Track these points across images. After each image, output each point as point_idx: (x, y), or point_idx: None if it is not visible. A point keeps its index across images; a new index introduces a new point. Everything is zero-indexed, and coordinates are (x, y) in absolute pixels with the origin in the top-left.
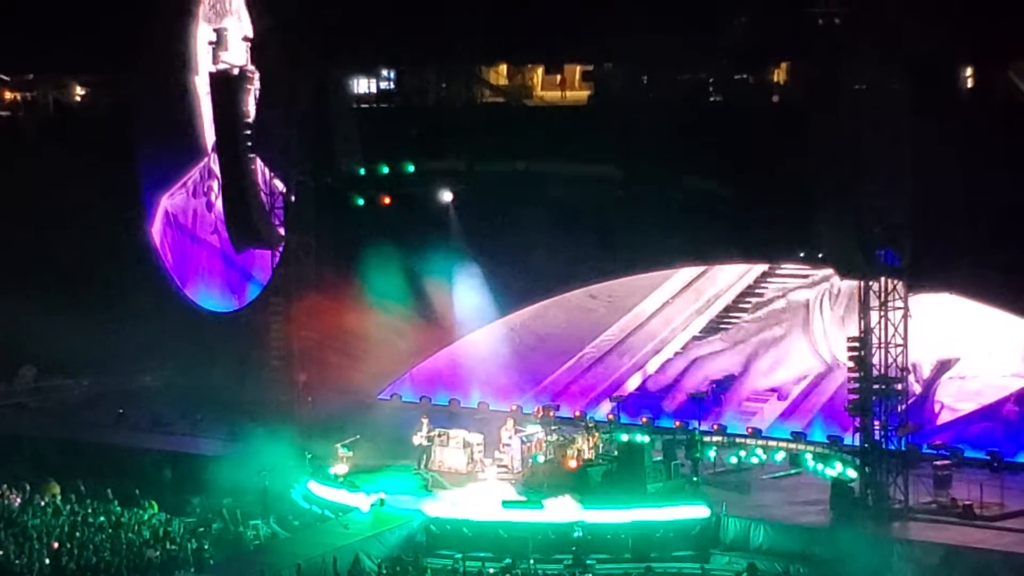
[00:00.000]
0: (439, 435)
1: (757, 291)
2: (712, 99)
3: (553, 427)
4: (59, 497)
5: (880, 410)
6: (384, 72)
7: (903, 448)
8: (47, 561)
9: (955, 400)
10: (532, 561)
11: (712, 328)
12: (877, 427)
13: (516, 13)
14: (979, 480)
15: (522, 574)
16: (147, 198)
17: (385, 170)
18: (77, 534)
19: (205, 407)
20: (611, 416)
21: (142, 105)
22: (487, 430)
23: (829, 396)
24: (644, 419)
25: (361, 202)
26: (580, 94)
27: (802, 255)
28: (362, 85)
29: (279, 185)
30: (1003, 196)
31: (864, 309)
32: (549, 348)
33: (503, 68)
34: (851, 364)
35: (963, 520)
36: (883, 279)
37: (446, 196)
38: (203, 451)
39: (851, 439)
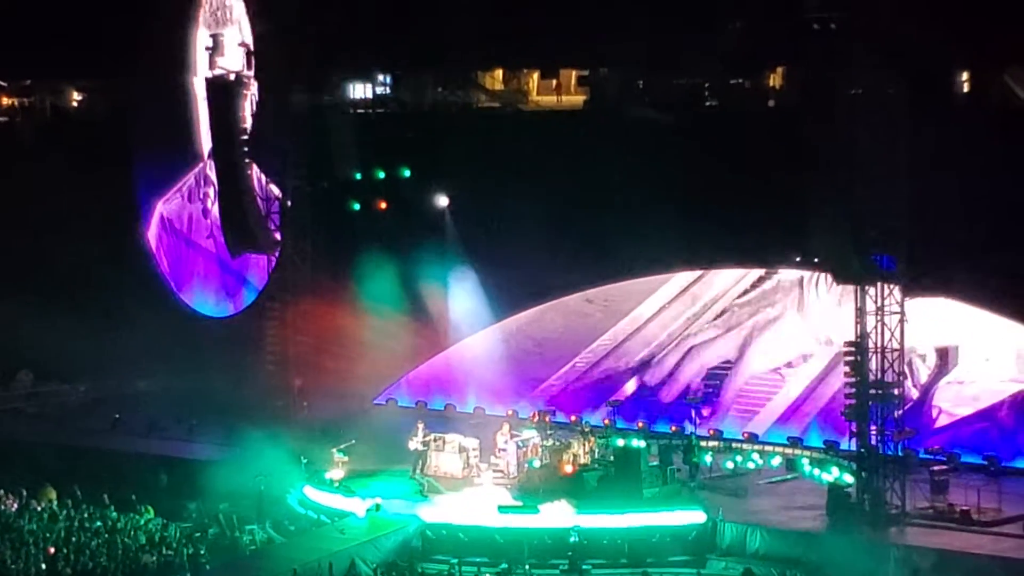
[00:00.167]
0: (435, 440)
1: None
2: (708, 104)
3: (549, 432)
4: (55, 502)
5: (877, 415)
6: (380, 77)
7: (900, 453)
8: (43, 566)
9: (953, 405)
10: (528, 566)
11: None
12: (874, 432)
13: (512, 18)
14: (976, 485)
15: None
16: (143, 202)
17: (381, 175)
18: (73, 539)
19: (201, 412)
20: (607, 421)
21: (139, 109)
22: (483, 435)
23: (826, 401)
24: (640, 424)
25: (357, 207)
26: (576, 99)
27: (798, 260)
28: (358, 90)
29: (275, 190)
30: (999, 200)
31: (860, 314)
32: (545, 353)
33: (499, 73)
34: (848, 369)
35: (960, 525)
36: (879, 284)
37: (442, 201)
38: (199, 456)
39: (848, 444)
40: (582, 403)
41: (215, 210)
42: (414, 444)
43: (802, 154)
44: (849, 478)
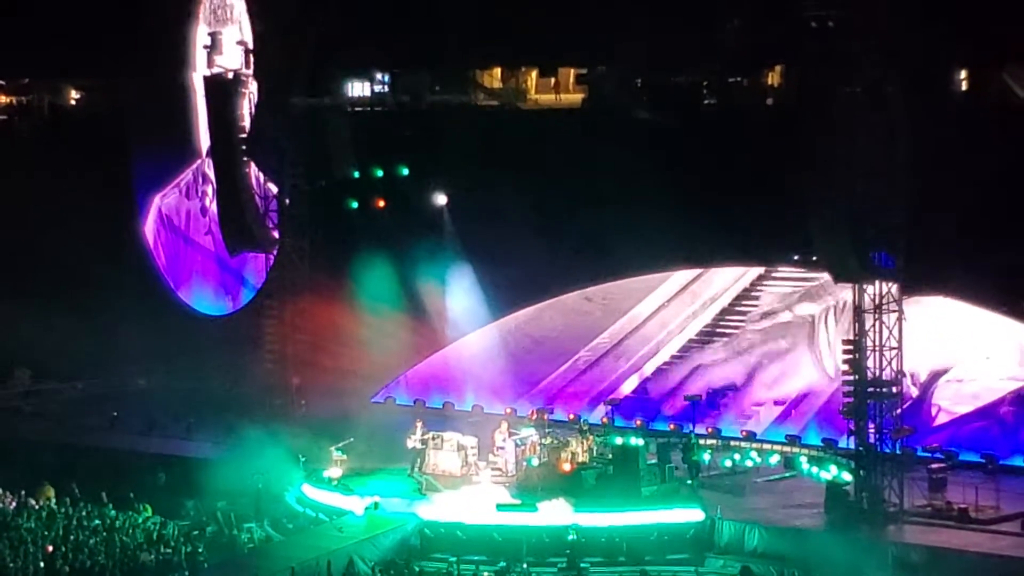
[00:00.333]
0: (433, 438)
1: (753, 294)
2: (706, 102)
3: (547, 430)
4: (53, 500)
5: (875, 413)
6: (379, 75)
7: (898, 451)
8: (42, 564)
9: (952, 403)
10: (526, 564)
11: (709, 332)
12: (872, 430)
13: (510, 17)
14: (974, 483)
15: None
16: (140, 197)
17: (379, 173)
18: (72, 537)
19: (199, 410)
20: (605, 419)
21: (138, 106)
22: (481, 433)
23: (825, 400)
24: (638, 422)
25: (355, 205)
26: (574, 97)
27: (796, 258)
28: (356, 88)
29: (273, 188)
30: (998, 198)
31: (858, 312)
32: (544, 351)
33: (497, 71)
34: (846, 367)
35: (958, 523)
36: (877, 282)
37: (440, 199)
38: (197, 454)
39: (846, 442)
40: (580, 401)
41: (213, 208)
42: (412, 442)
43: (800, 152)
44: (847, 476)
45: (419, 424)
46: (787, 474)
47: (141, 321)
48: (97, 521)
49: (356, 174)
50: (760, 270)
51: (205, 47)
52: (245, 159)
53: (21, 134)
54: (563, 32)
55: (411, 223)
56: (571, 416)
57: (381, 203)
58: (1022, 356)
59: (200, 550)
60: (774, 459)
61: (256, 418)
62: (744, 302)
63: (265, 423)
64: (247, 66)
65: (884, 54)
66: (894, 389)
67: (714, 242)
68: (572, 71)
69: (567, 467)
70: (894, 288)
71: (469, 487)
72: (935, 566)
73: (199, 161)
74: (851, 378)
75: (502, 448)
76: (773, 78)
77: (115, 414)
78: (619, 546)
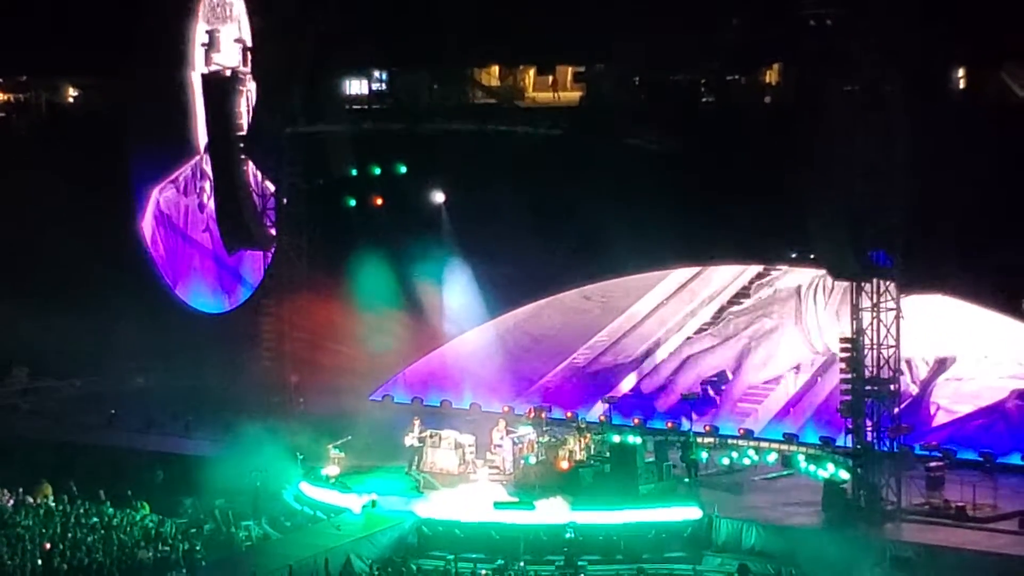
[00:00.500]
0: (431, 436)
1: (751, 292)
2: (704, 100)
3: (545, 428)
4: (51, 498)
5: (873, 411)
6: (376, 73)
7: (895, 450)
8: (39, 562)
9: (952, 402)
10: (524, 562)
11: (705, 329)
12: (870, 428)
13: (508, 15)
14: (972, 481)
15: (514, 575)
16: (138, 193)
17: (377, 171)
18: (69, 535)
19: (197, 408)
20: (603, 417)
21: (137, 100)
22: (479, 431)
23: (823, 398)
24: (636, 420)
25: (353, 203)
26: (572, 95)
27: (794, 256)
28: (354, 86)
29: (271, 186)
30: (996, 196)
31: (856, 310)
32: (543, 349)
33: (495, 69)
34: (843, 365)
35: (955, 522)
36: (875, 280)
37: (438, 197)
38: (195, 452)
39: (844, 440)
40: (578, 399)
41: (211, 204)
42: (410, 440)
43: (798, 151)
44: (845, 474)
45: (417, 422)
46: (785, 472)
47: (139, 319)
48: (95, 519)
49: (354, 172)
50: (758, 268)
51: (203, 44)
52: (243, 157)
53: (19, 132)
54: (561, 30)
55: (409, 221)
56: (569, 414)
57: (379, 201)
58: (1021, 354)
59: (198, 548)
60: (772, 457)
61: (254, 416)
62: (742, 300)
63: (263, 421)
64: (245, 64)
65: (882, 53)
66: (892, 387)
67: (712, 240)
68: (570, 69)
69: (565, 465)
70: (892, 287)
71: (467, 485)
72: (932, 564)
73: (197, 158)
74: (849, 376)
75: (500, 446)
76: (771, 77)
77: (113, 412)
78: (617, 544)
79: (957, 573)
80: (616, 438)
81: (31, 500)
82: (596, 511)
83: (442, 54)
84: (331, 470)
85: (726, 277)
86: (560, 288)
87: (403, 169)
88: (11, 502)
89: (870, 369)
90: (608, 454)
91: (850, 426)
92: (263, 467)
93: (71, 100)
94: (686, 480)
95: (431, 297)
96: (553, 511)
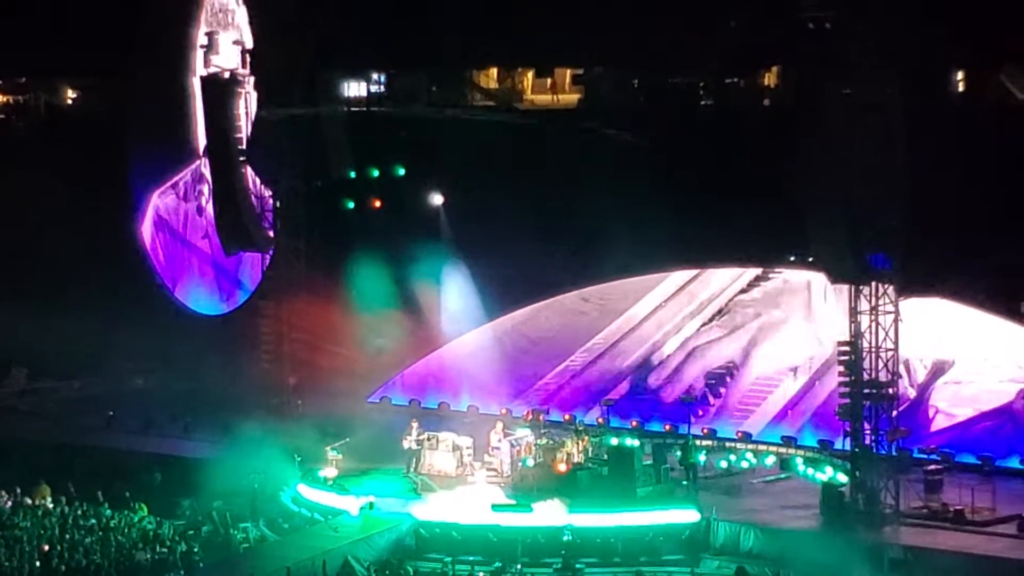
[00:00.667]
0: (428, 438)
1: (750, 295)
2: (703, 103)
3: (543, 430)
4: (49, 499)
5: (871, 415)
6: (375, 76)
7: (894, 453)
8: (37, 564)
9: (950, 405)
10: (521, 565)
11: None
12: (868, 432)
13: (507, 17)
14: (970, 485)
15: None
16: (138, 197)
17: (375, 173)
18: (67, 536)
19: (196, 410)
20: (601, 420)
21: (137, 104)
22: (477, 433)
23: (821, 401)
24: (634, 423)
25: (351, 205)
26: (571, 97)
27: (792, 259)
28: (353, 88)
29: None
30: (995, 199)
31: (854, 313)
32: (541, 351)
33: (493, 72)
34: (842, 368)
35: (954, 525)
36: (874, 283)
37: (436, 199)
38: (193, 454)
39: (842, 443)
40: (576, 402)
41: (209, 208)
42: (408, 442)
43: (797, 154)
44: (843, 477)
45: (415, 424)
46: (783, 475)
47: (138, 321)
48: (93, 520)
49: (352, 174)
50: (757, 271)
51: (202, 47)
52: (241, 159)
53: (18, 133)
54: (560, 32)
55: (407, 223)
56: (567, 417)
57: (377, 203)
58: (1021, 357)
59: (196, 550)
60: (770, 460)
61: (252, 418)
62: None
63: (261, 423)
64: (244, 66)
65: (881, 55)
66: (890, 390)
67: (711, 243)
68: (568, 71)
69: (562, 468)
70: (890, 289)
71: (464, 487)
72: (930, 568)
73: (197, 162)
74: (847, 379)
75: (497, 448)
76: (770, 79)
77: (111, 413)
78: (614, 547)
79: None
80: (614, 441)
81: (29, 501)
82: (594, 514)
83: (441, 56)
84: (329, 472)
85: (725, 280)
86: (558, 290)
87: (401, 171)
88: (9, 503)
89: (868, 372)
90: (606, 457)
91: (848, 429)
92: (261, 469)
93: (70, 102)
94: (684, 483)
95: (429, 299)
96: (551, 514)
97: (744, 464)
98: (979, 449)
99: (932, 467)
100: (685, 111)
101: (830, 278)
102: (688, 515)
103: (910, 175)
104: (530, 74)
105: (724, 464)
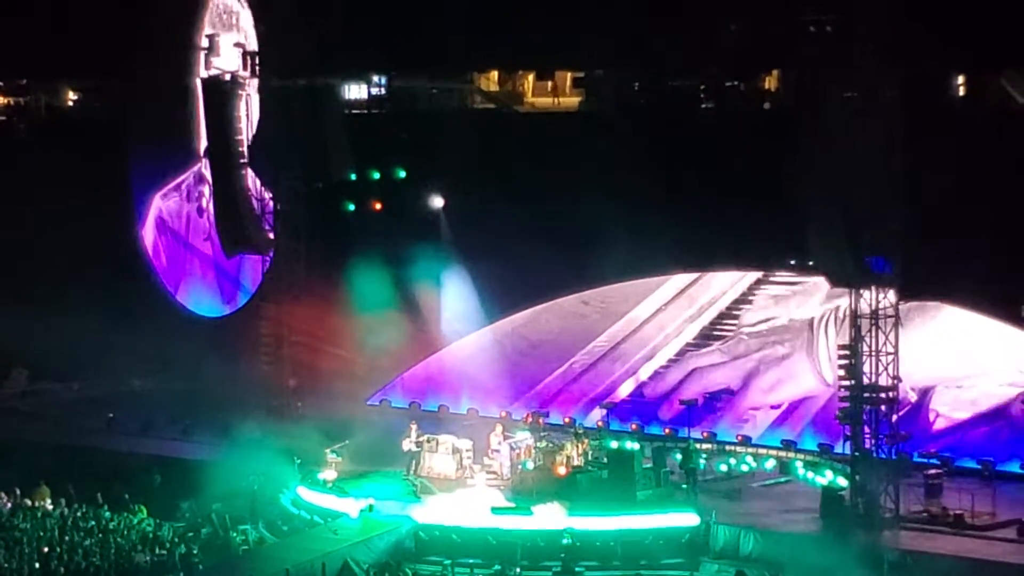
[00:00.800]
0: (428, 441)
1: (750, 298)
2: (704, 106)
3: (542, 433)
4: (49, 501)
5: (871, 418)
6: (375, 78)
7: (894, 457)
8: (37, 565)
9: (951, 409)
10: (520, 568)
11: (706, 335)
12: (868, 435)
13: (508, 20)
14: (970, 489)
15: None
16: (139, 198)
17: (376, 176)
18: (67, 538)
19: (196, 412)
20: (601, 423)
21: (138, 105)
22: (476, 436)
23: (821, 405)
24: (634, 426)
25: (352, 208)
26: (571, 100)
27: (792, 262)
28: (353, 91)
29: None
30: (996, 203)
31: (854, 317)
32: (541, 354)
33: (494, 74)
34: (842, 372)
35: (954, 529)
36: (874, 288)
37: (437, 202)
38: (193, 456)
39: (842, 447)
40: (576, 405)
41: (210, 209)
42: (407, 445)
43: (797, 157)
44: (843, 481)
45: (414, 427)
46: (783, 479)
47: (138, 322)
48: (92, 522)
49: (353, 176)
50: (758, 274)
51: (202, 49)
52: (242, 161)
53: (18, 135)
54: (560, 35)
55: (408, 226)
56: (566, 420)
57: (378, 205)
58: (1021, 362)
59: (195, 551)
60: (770, 464)
61: (252, 419)
62: (742, 306)
63: (261, 425)
64: (245, 68)
65: (882, 59)
66: (890, 394)
67: (711, 246)
68: (569, 74)
69: (562, 471)
70: (891, 294)
71: (464, 490)
72: (930, 572)
73: (199, 163)
74: (847, 383)
75: (497, 451)
76: (770, 82)
77: (111, 415)
78: (614, 550)
79: None
80: (614, 444)
81: (29, 503)
82: (593, 517)
83: (441, 59)
84: (328, 474)
85: (725, 283)
86: (558, 293)
87: (402, 174)
88: (9, 505)
89: (868, 376)
90: (606, 460)
91: (848, 433)
92: (261, 471)
93: (71, 103)
94: (684, 486)
95: (429, 301)
96: (550, 517)
97: (744, 468)
98: (979, 453)
99: (932, 471)
100: (686, 114)
101: (830, 281)
102: (688, 519)
103: (910, 178)
104: (531, 76)
105: (724, 468)
